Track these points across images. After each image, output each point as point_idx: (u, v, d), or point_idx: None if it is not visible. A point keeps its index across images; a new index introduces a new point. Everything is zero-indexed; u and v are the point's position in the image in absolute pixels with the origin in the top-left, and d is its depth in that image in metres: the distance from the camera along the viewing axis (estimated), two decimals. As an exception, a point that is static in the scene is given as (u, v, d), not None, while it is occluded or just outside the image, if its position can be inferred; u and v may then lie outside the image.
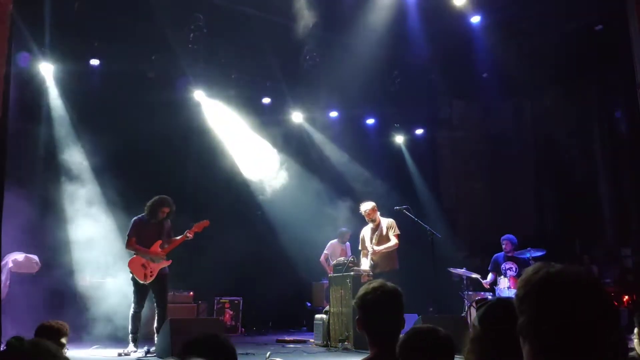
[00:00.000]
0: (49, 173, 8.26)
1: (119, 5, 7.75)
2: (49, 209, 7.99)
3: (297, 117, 10.63)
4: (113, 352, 6.07)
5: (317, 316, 7.51)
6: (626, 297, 8.03)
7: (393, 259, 7.04)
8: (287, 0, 7.86)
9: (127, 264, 6.31)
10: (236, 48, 9.01)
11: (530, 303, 1.14)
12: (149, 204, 6.39)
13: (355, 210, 8.24)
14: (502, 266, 7.70)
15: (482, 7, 8.50)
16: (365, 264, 7.13)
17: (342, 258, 7.44)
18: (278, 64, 9.20)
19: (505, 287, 7.30)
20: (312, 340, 7.58)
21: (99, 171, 8.41)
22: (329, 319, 7.14)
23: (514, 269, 7.56)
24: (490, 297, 7.37)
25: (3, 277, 7.02)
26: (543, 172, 10.95)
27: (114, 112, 8.60)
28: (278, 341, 7.81)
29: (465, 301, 7.63)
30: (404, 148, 11.41)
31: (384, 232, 7.08)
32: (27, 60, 7.93)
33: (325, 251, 9.08)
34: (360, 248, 7.37)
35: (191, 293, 8.71)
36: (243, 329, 9.36)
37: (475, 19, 8.72)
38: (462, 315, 7.37)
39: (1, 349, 2.83)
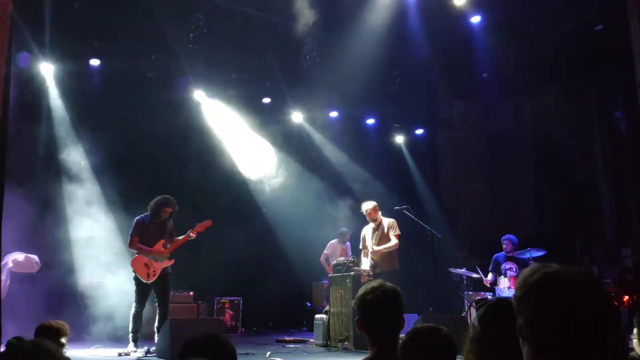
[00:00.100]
0: (49, 173, 8.26)
1: (119, 5, 7.75)
2: (49, 209, 8.00)
3: (297, 117, 10.63)
4: (113, 351, 6.07)
5: (317, 316, 7.51)
6: (626, 297, 8.02)
7: (393, 259, 7.04)
8: (287, 0, 7.85)
9: (127, 264, 6.32)
10: (236, 48, 9.01)
11: (529, 304, 1.14)
12: (151, 203, 6.40)
13: (355, 210, 8.25)
14: (502, 266, 7.70)
15: (482, 7, 8.49)
16: (365, 263, 7.13)
17: (342, 258, 7.44)
18: (278, 64, 9.19)
19: (506, 287, 7.29)
20: (312, 340, 7.58)
21: (98, 171, 8.41)
22: (329, 319, 7.14)
23: (514, 269, 7.57)
24: (490, 297, 7.37)
25: (3, 277, 7.02)
26: (543, 172, 10.95)
27: (114, 112, 8.60)
28: (278, 341, 7.80)
29: (465, 301, 7.63)
30: (404, 148, 11.41)
31: (385, 232, 7.09)
32: (27, 60, 7.93)
33: (325, 251, 9.08)
34: (361, 247, 7.37)
35: (191, 293, 8.71)
36: (243, 329, 9.36)
37: (476, 19, 8.72)
38: (462, 315, 7.37)
39: (1, 349, 2.83)
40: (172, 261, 6.41)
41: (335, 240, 9.15)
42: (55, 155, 8.32)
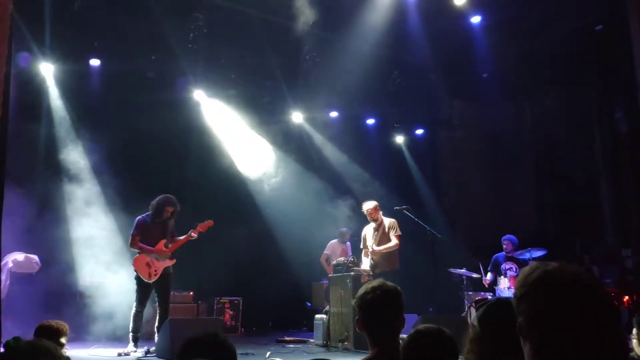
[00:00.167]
0: (49, 173, 8.26)
1: (119, 5, 7.75)
2: (49, 209, 8.00)
3: (297, 117, 10.63)
4: (113, 351, 6.07)
5: (317, 316, 7.51)
6: (626, 297, 8.01)
7: (393, 259, 7.03)
8: (287, 0, 7.85)
9: (127, 263, 6.33)
10: (236, 48, 9.01)
11: (529, 302, 1.14)
12: (153, 202, 6.40)
13: (355, 210, 8.24)
14: (502, 266, 7.70)
15: (482, 7, 8.49)
16: (365, 263, 7.12)
17: (342, 258, 7.45)
18: (278, 64, 9.19)
19: (506, 287, 7.29)
20: (312, 340, 7.58)
21: (98, 171, 8.41)
22: (329, 319, 7.14)
23: (514, 269, 7.56)
24: (490, 297, 7.36)
25: (3, 277, 7.03)
26: (543, 172, 10.95)
27: (114, 112, 8.60)
28: (278, 341, 7.81)
29: (466, 301, 7.63)
30: (404, 148, 11.41)
31: (386, 232, 7.08)
32: (27, 61, 7.93)
33: (325, 251, 9.07)
34: (361, 246, 7.37)
35: (191, 293, 8.71)
36: (243, 329, 9.35)
37: (476, 19, 8.72)
38: (462, 315, 7.36)
39: (1, 349, 2.83)
40: (174, 261, 6.41)
41: (335, 240, 9.15)
42: (55, 155, 8.32)
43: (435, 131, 11.66)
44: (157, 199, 6.41)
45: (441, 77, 10.32)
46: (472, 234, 10.86)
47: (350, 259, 7.15)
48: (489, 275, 7.80)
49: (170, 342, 5.37)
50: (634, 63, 5.81)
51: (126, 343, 6.18)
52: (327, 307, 7.48)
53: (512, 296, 1.22)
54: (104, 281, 7.76)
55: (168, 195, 6.46)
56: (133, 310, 6.21)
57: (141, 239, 6.30)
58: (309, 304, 9.89)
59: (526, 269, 1.19)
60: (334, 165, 10.77)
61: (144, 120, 8.51)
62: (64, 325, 3.48)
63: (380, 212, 7.21)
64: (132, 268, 6.33)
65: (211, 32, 8.33)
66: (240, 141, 9.97)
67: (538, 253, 7.42)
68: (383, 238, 7.06)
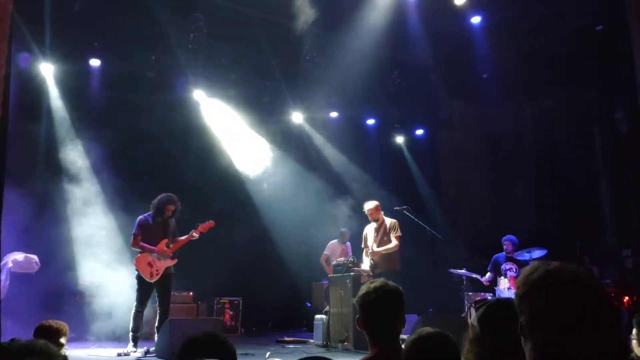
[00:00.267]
0: (49, 172, 8.27)
1: (119, 5, 7.75)
2: (49, 209, 8.00)
3: (297, 117, 10.63)
4: (112, 351, 6.07)
5: (317, 316, 7.51)
6: (626, 298, 8.01)
7: (394, 260, 7.02)
8: (287, 0, 7.85)
9: (127, 263, 6.33)
10: (236, 48, 9.01)
11: (531, 302, 1.14)
12: (154, 201, 6.39)
13: (355, 210, 8.24)
14: (502, 267, 7.69)
15: (482, 8, 8.49)
16: (366, 262, 7.12)
17: (342, 259, 7.44)
18: (278, 64, 9.19)
19: (505, 288, 7.28)
20: (311, 340, 7.58)
21: (98, 170, 8.41)
22: (328, 320, 7.14)
23: (514, 270, 7.56)
24: (490, 297, 7.36)
25: (3, 277, 7.02)
26: (543, 172, 10.94)
27: (114, 112, 8.61)
28: (278, 341, 7.80)
29: (466, 302, 7.62)
30: (404, 148, 11.41)
31: (386, 232, 7.07)
32: (27, 61, 7.93)
33: (325, 252, 9.06)
34: (362, 245, 7.36)
35: (191, 293, 8.71)
36: (243, 330, 9.35)
37: (476, 20, 8.71)
38: (462, 315, 7.36)
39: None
40: (175, 260, 6.42)
41: (335, 240, 9.14)
42: (55, 155, 8.32)
43: (435, 131, 11.66)
44: (159, 197, 6.41)
45: (441, 77, 10.31)
46: (472, 234, 10.86)
47: (350, 259, 7.14)
48: (488, 275, 7.79)
49: (170, 342, 5.36)
50: (634, 63, 5.81)
51: (126, 343, 6.17)
52: (327, 308, 7.47)
53: (514, 295, 1.21)
54: (104, 281, 7.76)
55: (169, 193, 6.46)
56: (133, 310, 6.20)
57: (143, 238, 6.29)
58: (309, 305, 9.89)
59: (528, 268, 1.19)
60: (334, 165, 10.76)
61: (144, 120, 8.51)
62: (64, 326, 3.48)
63: (382, 212, 7.20)
64: (133, 268, 6.33)
65: (211, 32, 8.33)
66: (240, 141, 9.97)
67: (538, 253, 7.41)
68: (384, 238, 7.05)
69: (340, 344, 6.66)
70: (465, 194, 11.39)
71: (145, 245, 6.27)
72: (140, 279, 6.22)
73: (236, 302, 9.24)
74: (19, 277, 7.28)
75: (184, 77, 9.18)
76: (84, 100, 8.68)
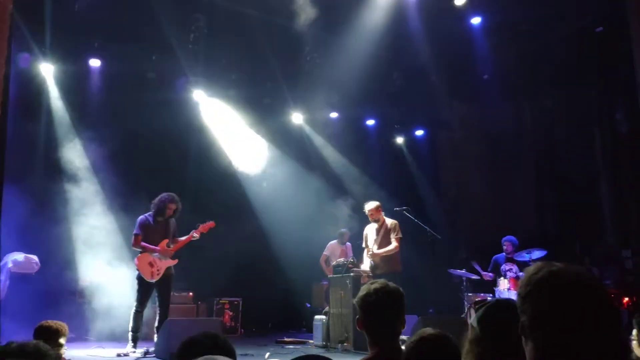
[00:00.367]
0: (49, 172, 8.27)
1: (119, 6, 7.75)
2: (48, 209, 7.99)
3: (297, 117, 10.63)
4: (112, 352, 6.06)
5: (317, 317, 7.51)
6: (626, 298, 8.01)
7: (394, 261, 7.00)
8: (287, 0, 7.85)
9: (127, 263, 6.33)
10: (236, 48, 9.00)
11: (533, 302, 1.14)
12: (155, 200, 6.39)
13: (355, 210, 8.23)
14: (502, 267, 7.69)
15: (482, 9, 8.49)
16: (366, 262, 7.11)
17: (341, 259, 7.43)
18: (278, 64, 9.19)
19: (505, 289, 7.28)
20: (311, 341, 7.58)
21: (98, 170, 8.41)
22: (328, 320, 7.13)
23: (514, 270, 7.55)
24: (490, 298, 7.35)
25: (2, 277, 7.02)
26: (543, 172, 10.94)
27: (114, 112, 8.60)
28: (277, 342, 7.80)
29: (465, 302, 7.61)
30: (404, 149, 11.41)
31: (387, 233, 7.06)
32: (27, 61, 7.94)
33: (324, 252, 9.04)
34: (363, 245, 7.35)
35: (191, 293, 8.71)
36: (242, 330, 9.34)
37: (476, 20, 8.71)
38: (462, 316, 7.36)
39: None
40: (176, 261, 6.42)
41: (335, 241, 9.13)
42: (55, 155, 8.32)
43: (435, 132, 11.67)
44: (160, 196, 6.41)
45: (441, 79, 10.31)
46: (472, 234, 10.86)
47: (350, 260, 7.14)
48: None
49: (169, 343, 5.36)
50: (634, 63, 5.80)
51: (126, 343, 6.17)
52: (326, 308, 7.47)
53: (516, 295, 1.21)
54: (104, 281, 7.75)
55: (170, 193, 6.45)
56: (133, 310, 6.20)
57: (143, 238, 6.29)
58: (309, 305, 9.88)
59: (531, 268, 1.19)
60: (334, 166, 10.76)
61: (144, 120, 8.51)
62: (64, 326, 3.48)
63: (382, 213, 7.19)
64: (132, 268, 6.34)
65: (211, 32, 8.33)
66: (240, 141, 9.97)
67: (538, 254, 7.41)
68: (384, 239, 7.03)
69: (340, 345, 6.66)
70: (465, 194, 11.40)
71: (147, 245, 6.26)
72: (140, 279, 6.22)
73: (236, 302, 9.24)
74: (18, 277, 7.27)
75: (184, 77, 9.18)
76: (83, 100, 8.68)
